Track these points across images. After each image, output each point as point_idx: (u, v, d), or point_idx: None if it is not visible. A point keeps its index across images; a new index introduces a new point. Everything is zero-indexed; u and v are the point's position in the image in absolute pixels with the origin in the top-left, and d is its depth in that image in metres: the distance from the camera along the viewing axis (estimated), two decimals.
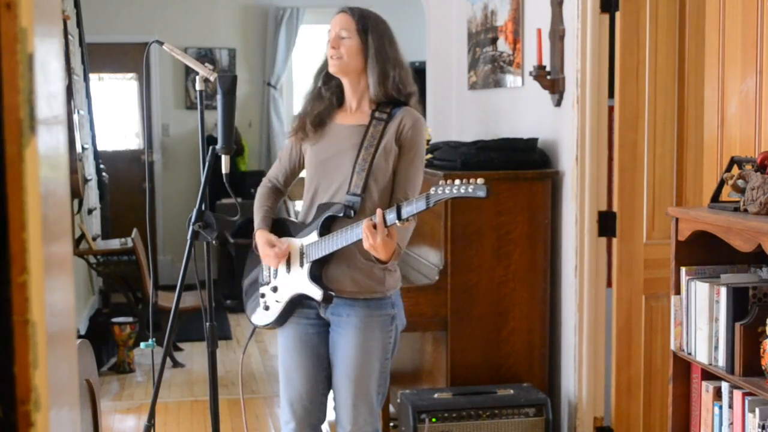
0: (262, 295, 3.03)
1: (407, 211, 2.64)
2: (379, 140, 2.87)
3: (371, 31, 2.90)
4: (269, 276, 3.02)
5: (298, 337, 2.97)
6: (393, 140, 2.88)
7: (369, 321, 2.90)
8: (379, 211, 2.68)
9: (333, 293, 2.85)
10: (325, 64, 2.98)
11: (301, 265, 2.91)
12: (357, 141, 2.88)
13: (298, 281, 2.91)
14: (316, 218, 2.90)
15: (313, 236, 2.88)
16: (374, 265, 2.88)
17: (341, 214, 2.83)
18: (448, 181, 2.63)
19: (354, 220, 2.81)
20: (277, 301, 2.97)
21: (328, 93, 2.97)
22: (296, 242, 2.93)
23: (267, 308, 3.01)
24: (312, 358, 2.96)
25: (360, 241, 2.74)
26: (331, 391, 3.01)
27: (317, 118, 2.94)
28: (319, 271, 2.88)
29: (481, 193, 2.58)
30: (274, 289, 2.98)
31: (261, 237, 2.95)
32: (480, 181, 2.58)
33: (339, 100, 2.99)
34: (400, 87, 2.90)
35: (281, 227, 3.01)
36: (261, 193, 3.06)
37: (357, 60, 2.88)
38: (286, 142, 3.12)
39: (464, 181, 2.60)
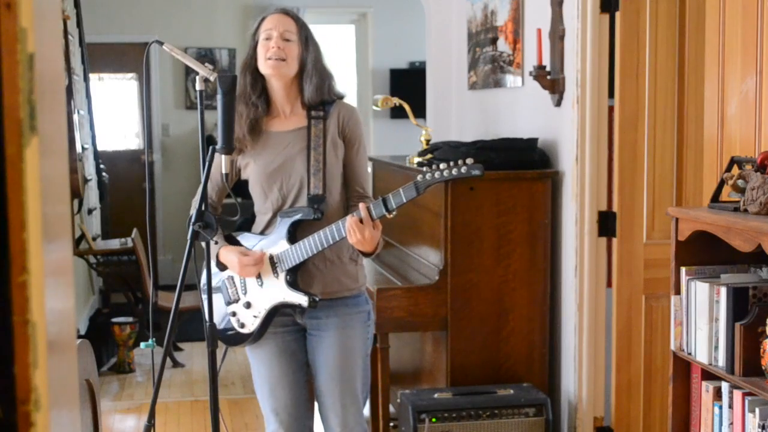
0: (233, 314, 2.97)
1: (396, 201, 2.64)
2: (324, 138, 2.87)
3: (311, 41, 2.90)
4: (237, 293, 2.97)
5: (277, 347, 2.94)
6: (336, 135, 2.89)
7: (349, 319, 2.90)
8: (362, 205, 2.68)
9: (317, 297, 2.84)
10: (250, 61, 2.90)
11: (276, 275, 2.88)
12: (303, 144, 2.87)
13: (276, 292, 2.88)
14: (281, 227, 2.87)
15: (282, 245, 2.85)
16: (348, 262, 2.89)
17: (312, 217, 2.81)
18: (433, 166, 2.61)
19: (321, 221, 2.80)
20: (254, 316, 2.93)
21: (255, 96, 2.89)
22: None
23: (242, 325, 2.96)
24: (293, 365, 2.95)
25: (338, 241, 2.74)
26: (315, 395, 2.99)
27: (250, 125, 2.87)
28: (294, 277, 2.86)
29: (477, 172, 2.55)
30: (248, 305, 2.94)
31: (229, 252, 2.89)
32: (470, 160, 2.56)
33: (265, 105, 2.93)
34: (333, 93, 2.92)
35: (233, 244, 2.96)
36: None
37: (296, 66, 2.87)
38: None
39: (452, 163, 2.58)
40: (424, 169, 2.61)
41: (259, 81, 2.90)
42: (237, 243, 2.96)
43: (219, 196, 3.01)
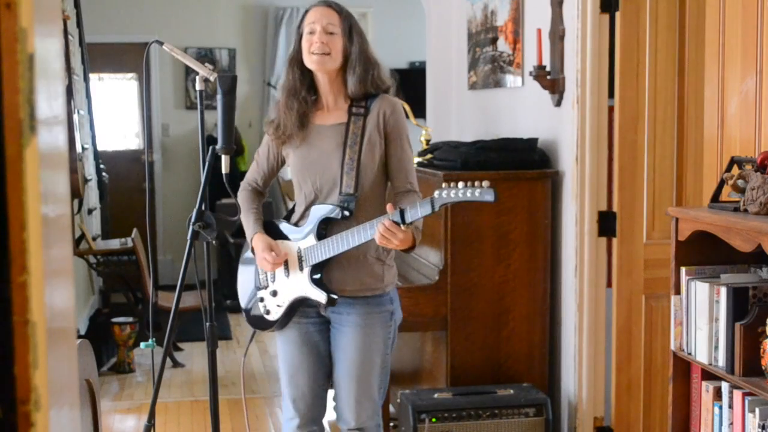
0: (261, 299, 3.03)
1: (411, 215, 2.66)
2: (361, 136, 2.87)
3: (354, 31, 2.90)
4: (267, 280, 3.02)
5: (300, 337, 2.98)
6: (376, 132, 2.89)
7: (369, 318, 2.91)
8: (387, 219, 2.68)
9: (336, 296, 2.85)
10: (297, 55, 2.92)
11: (301, 269, 2.91)
12: (340, 140, 2.88)
13: (298, 285, 2.92)
14: (312, 221, 2.90)
15: (311, 239, 2.88)
16: (375, 262, 2.91)
17: (339, 216, 2.84)
18: (452, 184, 2.63)
19: (350, 220, 2.82)
20: (278, 306, 2.98)
21: (303, 89, 2.92)
22: (293, 245, 2.93)
23: (268, 312, 3.02)
24: (314, 356, 2.99)
25: (364, 242, 2.75)
26: (332, 387, 3.02)
27: (299, 119, 2.91)
28: (319, 273, 2.88)
29: (489, 198, 2.58)
30: (274, 293, 2.99)
31: (260, 241, 2.94)
32: (486, 183, 2.58)
33: (313, 99, 2.95)
34: (378, 83, 2.92)
35: (272, 230, 3.00)
36: (244, 196, 3.04)
37: (340, 59, 2.87)
38: (262, 145, 3.09)
39: (468, 183, 2.60)
40: (443, 185, 2.64)
41: (306, 75, 2.92)
42: (276, 228, 3.00)
43: (266, 181, 3.08)
